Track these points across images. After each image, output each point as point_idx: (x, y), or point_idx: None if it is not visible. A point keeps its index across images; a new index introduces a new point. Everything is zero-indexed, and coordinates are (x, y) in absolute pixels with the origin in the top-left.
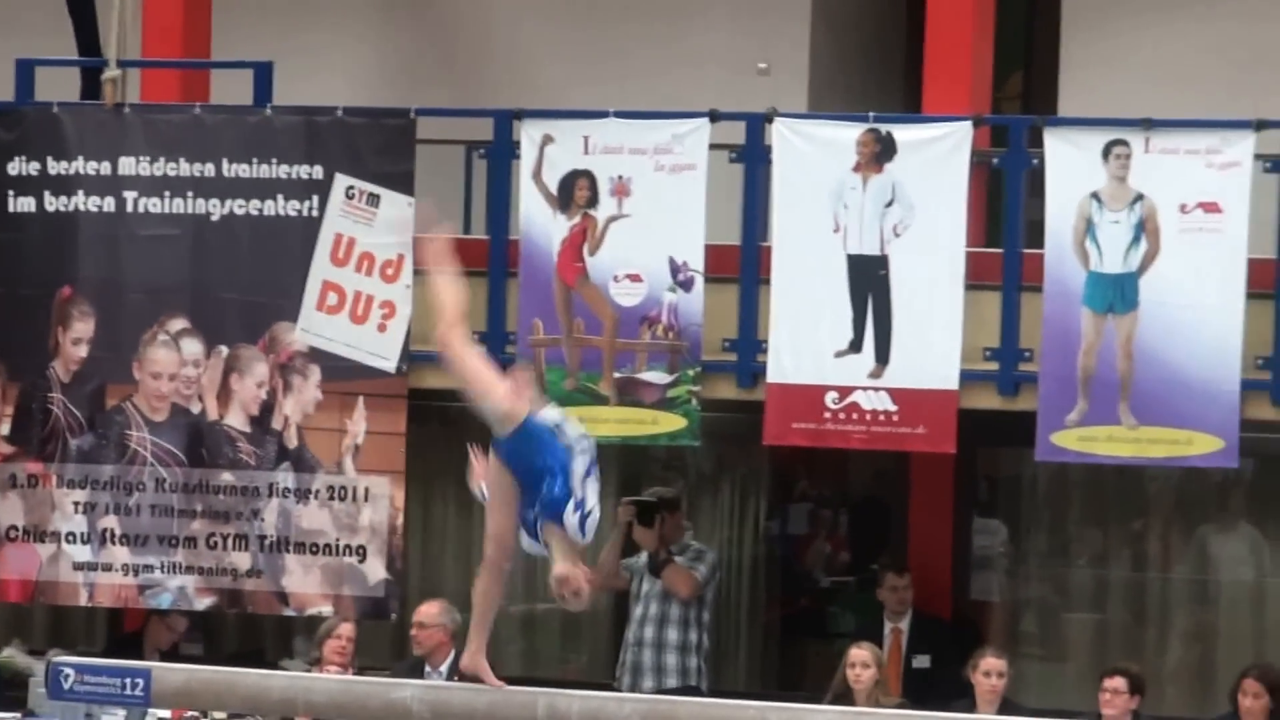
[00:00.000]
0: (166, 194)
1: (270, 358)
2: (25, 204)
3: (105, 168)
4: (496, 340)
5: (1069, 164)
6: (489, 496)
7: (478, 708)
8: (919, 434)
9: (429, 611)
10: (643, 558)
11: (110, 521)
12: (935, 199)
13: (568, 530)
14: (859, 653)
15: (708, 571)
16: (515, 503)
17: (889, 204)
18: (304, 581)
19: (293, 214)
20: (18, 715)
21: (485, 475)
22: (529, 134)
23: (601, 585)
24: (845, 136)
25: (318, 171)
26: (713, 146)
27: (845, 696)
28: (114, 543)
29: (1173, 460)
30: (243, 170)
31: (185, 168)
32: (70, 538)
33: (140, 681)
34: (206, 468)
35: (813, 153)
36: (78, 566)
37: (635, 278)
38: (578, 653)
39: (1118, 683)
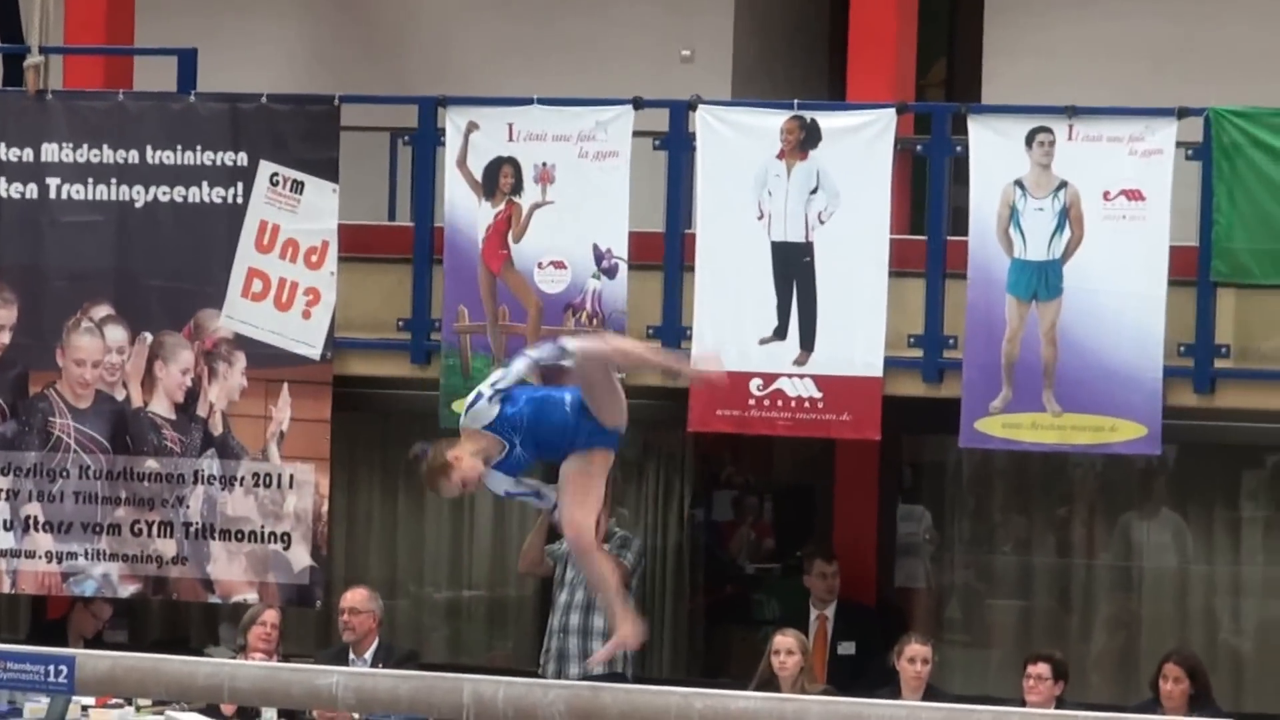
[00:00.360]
0: (90, 180)
1: (195, 344)
2: None
3: (28, 154)
4: (421, 327)
5: (993, 151)
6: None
7: (402, 695)
8: (843, 421)
9: (360, 597)
10: (565, 544)
11: (33, 509)
12: (859, 186)
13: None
14: (783, 640)
15: (635, 559)
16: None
17: (813, 191)
18: (229, 569)
19: (217, 201)
20: None
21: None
22: (454, 121)
23: (526, 571)
24: (769, 124)
25: (242, 158)
26: (637, 134)
27: (770, 683)
28: (37, 530)
29: (1096, 447)
30: (167, 157)
31: (109, 154)
32: None
33: (64, 668)
34: (131, 455)
35: (737, 140)
36: (0, 554)
37: (560, 265)
38: (503, 640)
39: (1042, 669)
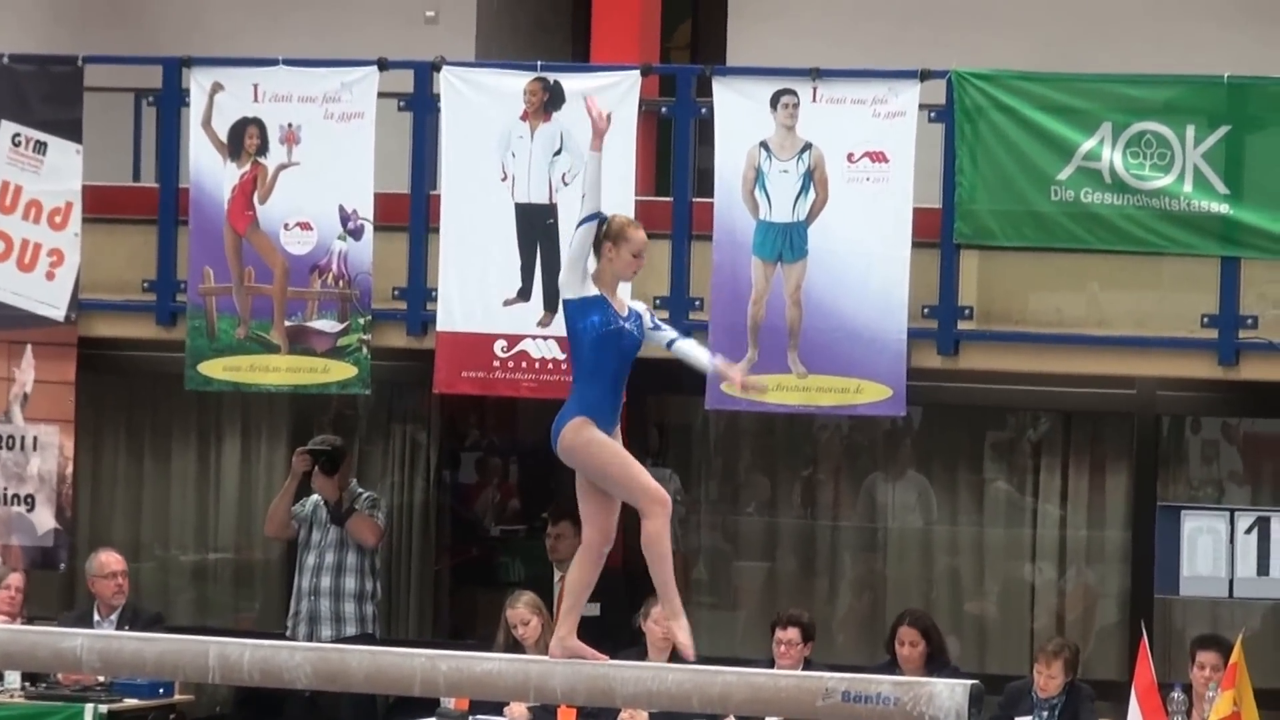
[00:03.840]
0: None
1: None
2: None
3: None
4: (166, 289)
5: (737, 113)
6: (581, 484)
7: (148, 657)
8: None
9: (112, 560)
10: (309, 506)
11: None
12: (604, 148)
13: None
14: (514, 613)
15: (384, 519)
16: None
17: (557, 153)
18: None
19: None
20: None
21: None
22: (198, 82)
23: (273, 535)
24: (513, 85)
25: None
26: (381, 95)
27: (515, 647)
28: None
29: (841, 409)
30: None
31: None
32: None
33: None
34: None
35: (480, 101)
36: None
37: (305, 226)
38: (250, 602)
39: (791, 634)
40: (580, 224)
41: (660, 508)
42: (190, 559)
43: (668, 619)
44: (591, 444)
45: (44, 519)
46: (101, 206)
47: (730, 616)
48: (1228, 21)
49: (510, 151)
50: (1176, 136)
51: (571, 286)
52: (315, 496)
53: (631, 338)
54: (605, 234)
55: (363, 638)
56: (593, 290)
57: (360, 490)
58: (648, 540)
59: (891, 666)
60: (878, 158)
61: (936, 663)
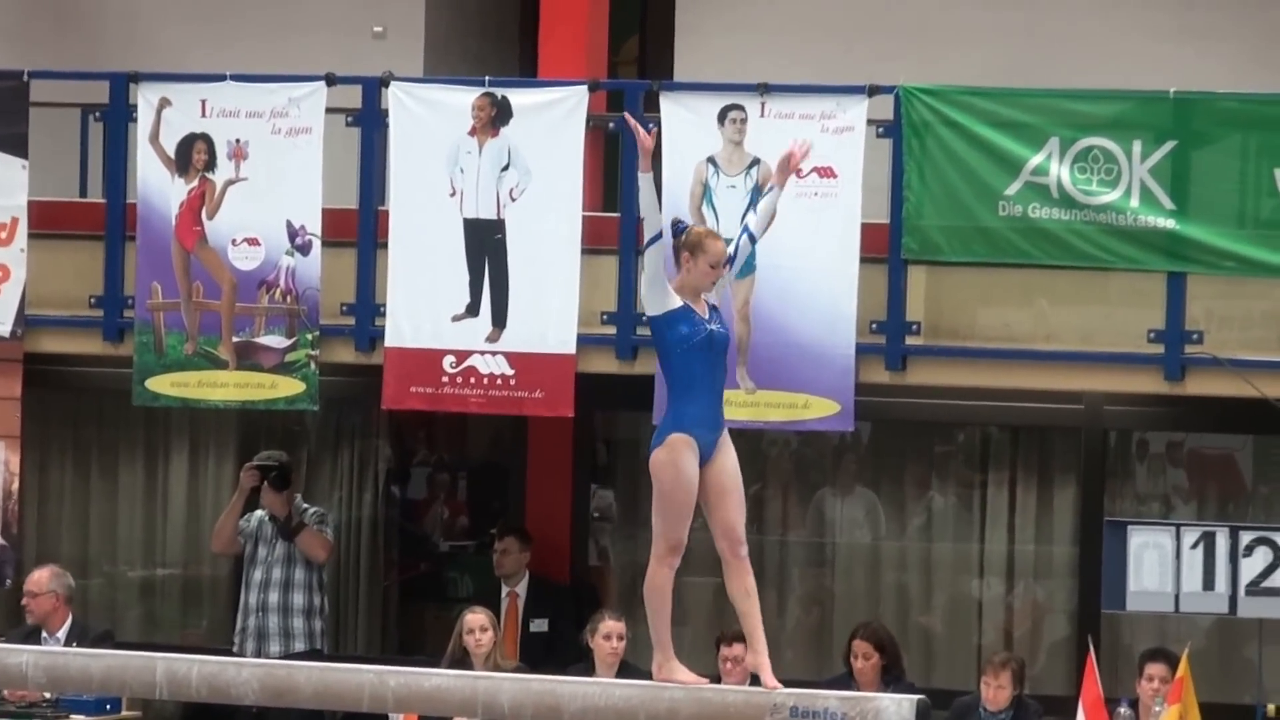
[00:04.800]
0: None
1: None
2: None
3: None
4: (113, 305)
5: (685, 129)
6: (658, 499)
7: (95, 673)
8: (536, 398)
9: (39, 579)
10: (255, 521)
11: None
12: (551, 163)
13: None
14: (473, 618)
15: (332, 533)
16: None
17: (505, 168)
18: None
19: None
20: None
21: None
22: (146, 97)
23: (220, 551)
24: (461, 100)
25: None
26: (329, 110)
27: (463, 662)
28: None
29: (790, 424)
30: None
31: None
32: None
33: None
34: None
35: (429, 117)
36: None
37: (253, 241)
38: (198, 618)
39: (737, 650)
40: (646, 247)
41: (666, 560)
42: (138, 575)
43: (661, 660)
44: (668, 467)
45: None
46: (48, 222)
47: (678, 632)
48: (1172, 39)
49: (458, 167)
50: (1123, 152)
51: (654, 303)
52: (260, 512)
53: (721, 336)
54: (683, 244)
55: (311, 654)
56: (676, 301)
57: (307, 505)
58: (648, 584)
59: (847, 679)
60: (826, 173)
61: (891, 675)
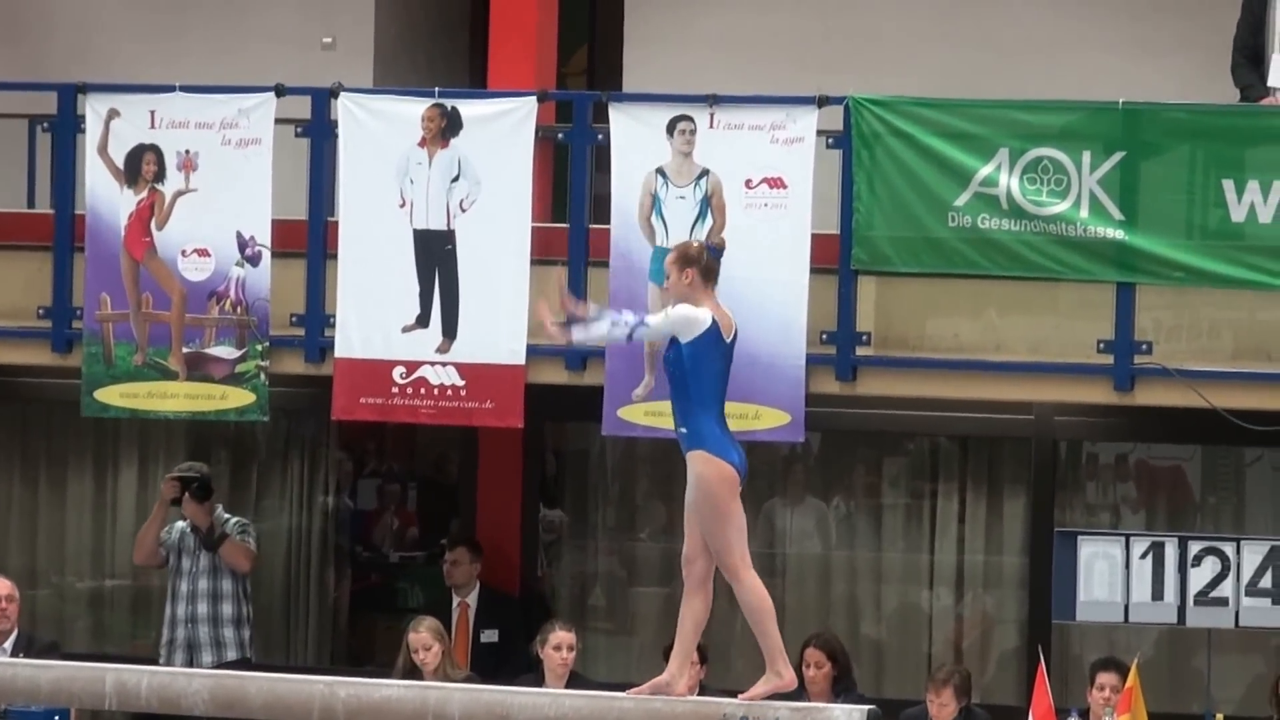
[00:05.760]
0: None
1: None
2: None
3: None
4: (62, 316)
5: (634, 139)
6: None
7: (43, 684)
8: (486, 409)
9: (9, 585)
10: (176, 533)
11: None
12: (501, 174)
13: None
14: (417, 637)
15: (254, 543)
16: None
17: (455, 179)
18: None
19: None
20: None
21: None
22: (94, 108)
23: (142, 563)
24: (411, 111)
25: None
26: (279, 121)
27: (414, 672)
28: None
29: (739, 435)
30: None
31: None
32: None
33: None
34: None
35: (378, 128)
36: None
37: (203, 252)
38: (147, 629)
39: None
40: (634, 336)
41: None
42: (87, 586)
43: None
44: (734, 500)
45: None
46: None
47: (627, 642)
48: (1121, 50)
49: (408, 178)
50: (1073, 162)
51: (688, 328)
52: (181, 523)
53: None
54: (687, 261)
55: (241, 662)
56: (707, 318)
57: (228, 516)
58: (760, 597)
59: (799, 689)
60: (775, 184)
61: (842, 685)
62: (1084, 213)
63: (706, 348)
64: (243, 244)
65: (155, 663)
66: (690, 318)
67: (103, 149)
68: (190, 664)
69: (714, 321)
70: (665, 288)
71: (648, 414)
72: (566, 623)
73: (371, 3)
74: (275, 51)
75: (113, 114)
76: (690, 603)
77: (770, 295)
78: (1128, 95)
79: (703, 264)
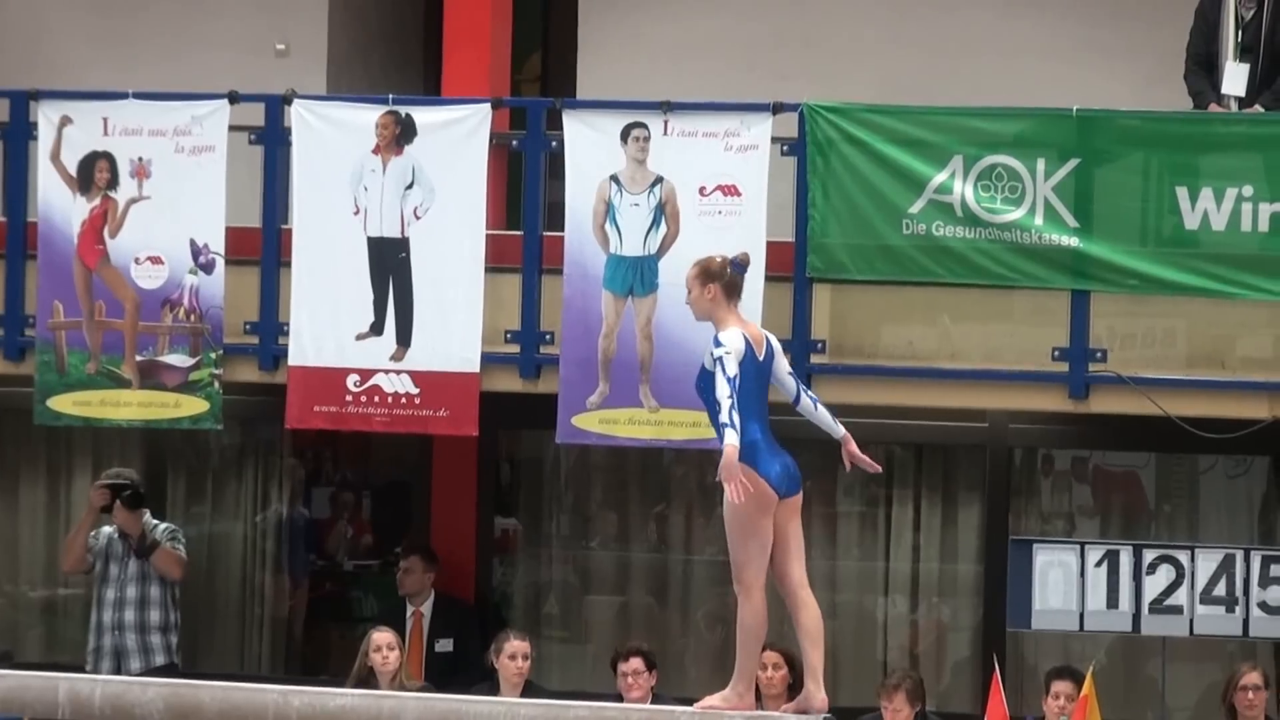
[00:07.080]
0: None
1: None
2: None
3: None
4: (14, 323)
5: (588, 146)
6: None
7: None
8: (441, 417)
9: None
10: (103, 539)
11: None
12: (455, 181)
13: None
14: (380, 636)
15: (184, 550)
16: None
17: (409, 186)
18: None
19: None
20: None
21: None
22: (46, 115)
23: (70, 570)
24: (364, 119)
25: None
26: (232, 128)
27: (368, 681)
28: None
29: (693, 443)
30: None
31: None
32: None
33: None
34: None
35: (332, 135)
36: None
37: (156, 260)
38: None
39: (635, 664)
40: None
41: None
42: (39, 595)
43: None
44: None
45: None
46: None
47: (581, 650)
48: (1075, 57)
49: (362, 185)
50: (1027, 170)
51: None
52: (110, 529)
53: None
54: (709, 276)
55: (169, 668)
56: (741, 349)
57: (156, 522)
58: (757, 618)
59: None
60: (729, 191)
61: (799, 690)
62: (1038, 220)
63: (742, 369)
64: (196, 251)
65: (82, 670)
66: (733, 354)
67: (55, 156)
68: (118, 671)
69: (746, 342)
70: (686, 302)
71: (602, 422)
72: (521, 632)
73: (325, 9)
74: (229, 58)
75: (65, 121)
76: (798, 618)
77: None
78: (1080, 100)
79: (726, 279)
